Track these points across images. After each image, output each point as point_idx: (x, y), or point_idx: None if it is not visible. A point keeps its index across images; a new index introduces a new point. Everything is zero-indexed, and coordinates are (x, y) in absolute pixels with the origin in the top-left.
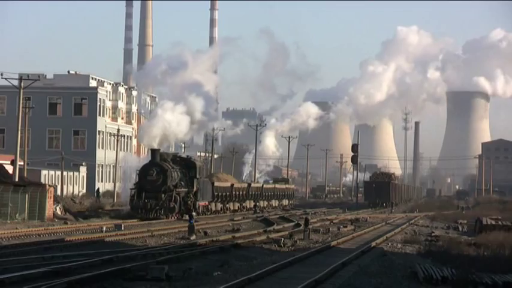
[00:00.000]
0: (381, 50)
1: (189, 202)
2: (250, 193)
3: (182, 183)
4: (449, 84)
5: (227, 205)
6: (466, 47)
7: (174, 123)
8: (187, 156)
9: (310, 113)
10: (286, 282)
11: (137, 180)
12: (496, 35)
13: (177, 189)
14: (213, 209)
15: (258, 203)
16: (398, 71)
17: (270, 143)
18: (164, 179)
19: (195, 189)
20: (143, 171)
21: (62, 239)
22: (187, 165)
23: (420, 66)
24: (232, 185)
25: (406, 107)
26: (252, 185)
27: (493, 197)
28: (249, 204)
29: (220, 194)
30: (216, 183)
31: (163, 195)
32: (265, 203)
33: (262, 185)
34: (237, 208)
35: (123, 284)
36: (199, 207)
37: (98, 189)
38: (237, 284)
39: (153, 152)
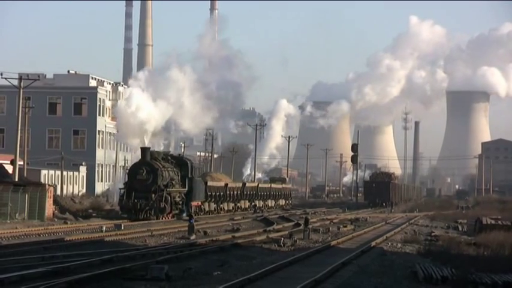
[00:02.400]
0: (392, 46)
1: (181, 202)
2: (245, 193)
3: (173, 182)
4: (455, 82)
5: (221, 205)
6: (471, 44)
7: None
8: (179, 154)
9: (339, 110)
10: (286, 282)
11: (127, 179)
12: (503, 30)
13: (168, 189)
14: (206, 209)
15: (253, 203)
16: (409, 68)
17: (278, 130)
18: (154, 179)
19: (187, 188)
20: (133, 171)
21: (61, 238)
22: (179, 164)
23: (430, 63)
24: (226, 185)
25: (406, 107)
26: (247, 184)
27: (493, 196)
28: (244, 204)
29: (213, 193)
30: (210, 183)
31: (153, 195)
32: (261, 203)
33: (258, 185)
34: (231, 208)
35: (122, 284)
36: (191, 207)
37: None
38: (237, 283)
39: (143, 150)
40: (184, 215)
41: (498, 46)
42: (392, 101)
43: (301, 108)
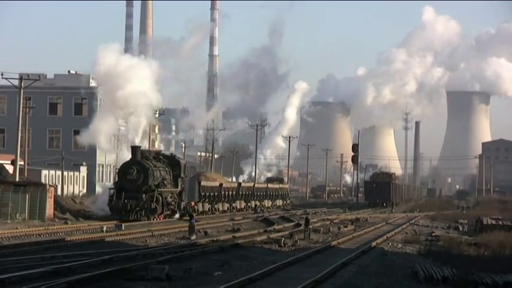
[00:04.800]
0: (404, 42)
1: (173, 202)
2: (241, 193)
3: (165, 182)
4: (456, 81)
5: (215, 206)
6: (475, 42)
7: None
8: (171, 154)
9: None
10: (286, 282)
11: (117, 179)
12: (507, 27)
13: (159, 189)
14: (200, 209)
15: (249, 204)
16: (421, 65)
17: (291, 116)
18: (145, 178)
19: (179, 188)
20: (123, 170)
21: (62, 238)
22: (171, 163)
23: (441, 60)
24: (220, 185)
25: (407, 107)
26: (243, 184)
27: (494, 196)
28: (239, 204)
29: (207, 194)
30: (203, 183)
31: (144, 195)
32: (257, 203)
33: (254, 185)
34: (226, 209)
35: (123, 284)
36: (183, 208)
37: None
38: (238, 283)
39: (134, 149)
40: (177, 216)
41: (508, 43)
42: (406, 99)
43: (311, 105)
